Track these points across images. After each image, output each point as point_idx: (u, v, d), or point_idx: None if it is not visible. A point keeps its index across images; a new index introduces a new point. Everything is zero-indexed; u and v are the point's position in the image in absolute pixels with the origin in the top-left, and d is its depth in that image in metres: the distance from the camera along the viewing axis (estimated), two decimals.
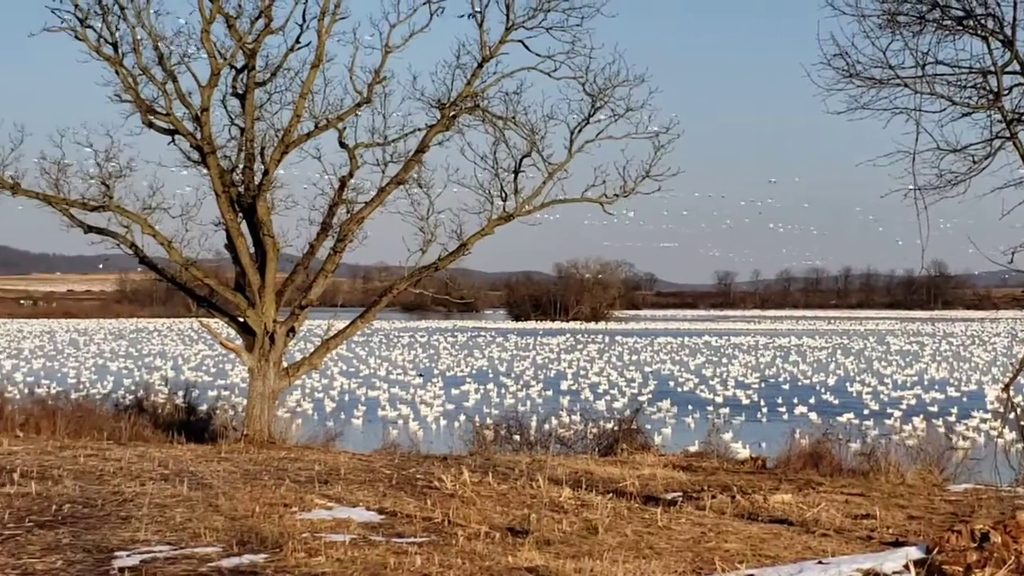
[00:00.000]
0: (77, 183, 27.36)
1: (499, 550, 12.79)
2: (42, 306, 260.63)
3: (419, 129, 27.94)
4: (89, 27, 26.60)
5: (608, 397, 60.64)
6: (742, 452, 32.10)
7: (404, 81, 30.44)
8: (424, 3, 27.39)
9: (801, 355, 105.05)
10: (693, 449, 29.83)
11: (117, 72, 26.83)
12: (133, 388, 50.23)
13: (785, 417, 52.82)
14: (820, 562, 12.90)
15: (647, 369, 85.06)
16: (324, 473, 18.80)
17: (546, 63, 27.67)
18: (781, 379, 76.89)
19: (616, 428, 30.54)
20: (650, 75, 27.67)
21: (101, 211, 27.31)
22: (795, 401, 58.96)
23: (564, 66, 27.59)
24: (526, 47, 27.75)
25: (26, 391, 46.96)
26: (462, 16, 27.37)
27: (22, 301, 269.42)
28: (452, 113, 27.51)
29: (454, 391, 65.14)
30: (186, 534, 12.81)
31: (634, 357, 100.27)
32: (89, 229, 27.31)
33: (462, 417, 45.22)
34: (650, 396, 61.23)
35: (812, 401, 59.84)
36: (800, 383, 74.15)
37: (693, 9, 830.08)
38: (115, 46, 26.74)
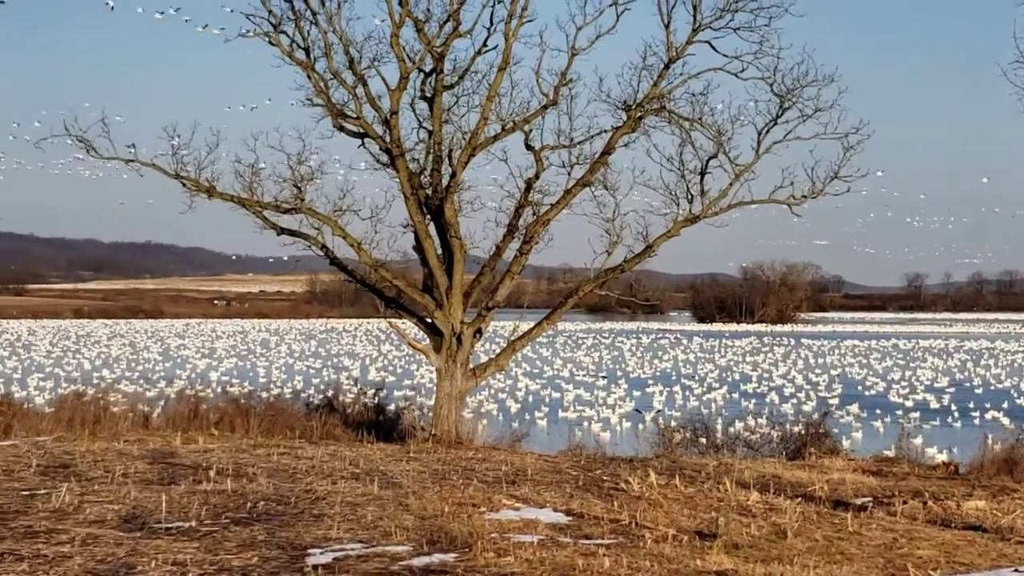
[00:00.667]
0: (270, 186, 27.93)
1: (687, 553, 12.70)
2: (235, 306, 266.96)
3: (605, 131, 27.92)
4: (282, 32, 27.17)
5: (795, 400, 59.90)
6: (937, 457, 31.43)
7: (590, 83, 30.46)
8: (610, 5, 27.37)
9: (994, 359, 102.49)
10: (883, 454, 29.26)
11: (309, 76, 27.33)
12: (323, 388, 51.10)
13: (977, 422, 51.63)
14: (1016, 570, 12.59)
15: (834, 372, 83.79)
16: (511, 474, 18.88)
17: (733, 64, 27.42)
18: (973, 383, 75.06)
19: (803, 432, 30.16)
20: (839, 75, 27.16)
21: (293, 213, 27.83)
22: (987, 406, 57.47)
23: (752, 66, 27.31)
24: (713, 48, 27.55)
25: (220, 390, 48.12)
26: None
27: (216, 301, 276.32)
28: (638, 115, 27.42)
29: (637, 393, 64.99)
30: (377, 532, 12.98)
31: (820, 360, 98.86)
32: (281, 231, 27.86)
33: (647, 419, 45.03)
34: (837, 400, 60.33)
35: (1006, 406, 58.30)
36: (993, 388, 72.32)
37: (882, 9, 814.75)
38: (307, 51, 27.25)
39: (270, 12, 27.05)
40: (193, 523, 13.16)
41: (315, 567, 11.11)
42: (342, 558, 11.55)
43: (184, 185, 27.50)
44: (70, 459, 19.19)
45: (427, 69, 27.67)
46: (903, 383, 73.41)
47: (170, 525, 13.02)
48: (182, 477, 17.15)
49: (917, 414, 54.47)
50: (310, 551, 11.83)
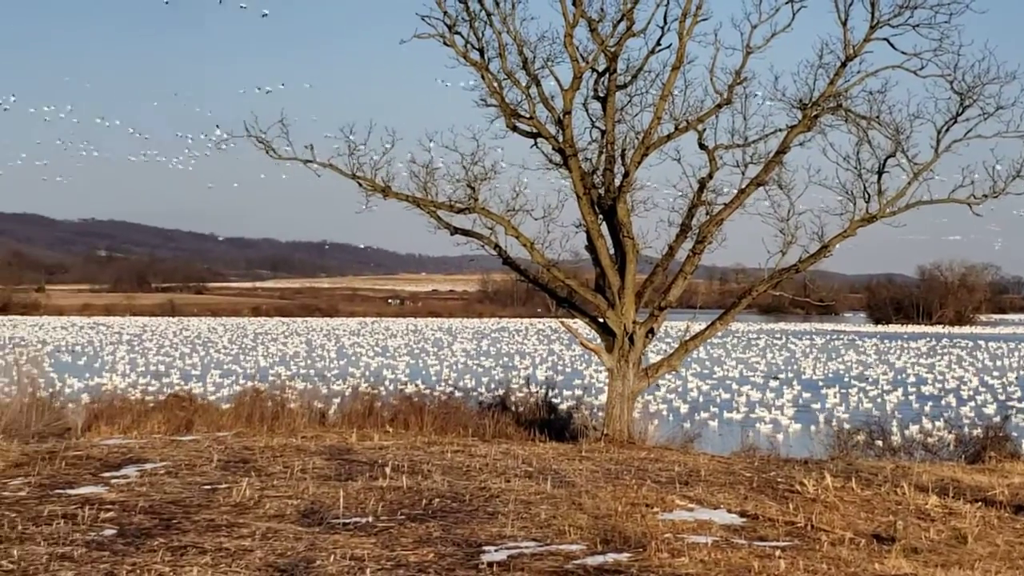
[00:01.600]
0: (444, 186, 28.18)
1: (864, 556, 12.53)
2: (408, 305, 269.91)
3: (780, 130, 27.61)
4: (457, 33, 27.42)
5: (973, 403, 58.60)
6: None
7: (765, 81, 30.16)
8: (787, 2, 27.07)
9: None
10: None
11: (483, 77, 27.53)
12: (495, 386, 51.44)
13: None
14: None
15: (1012, 375, 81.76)
16: (684, 474, 18.80)
17: (912, 61, 26.88)
18: None
19: (983, 435, 29.52)
20: (1022, 72, 26.51)
21: (467, 213, 28.05)
22: None
23: (931, 64, 26.74)
24: (891, 45, 27.05)
25: (394, 388, 48.74)
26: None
27: (390, 300, 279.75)
28: (814, 113, 27.07)
29: (807, 394, 64.23)
30: (551, 531, 13.03)
31: (999, 363, 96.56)
32: (455, 231, 28.10)
33: (820, 421, 44.47)
34: (1018, 403, 58.88)
35: None
36: None
37: None
38: (481, 51, 27.45)
39: (445, 13, 27.32)
40: (370, 519, 13.36)
41: (490, 564, 11.20)
42: (516, 556, 11.63)
43: (360, 185, 27.91)
44: (250, 454, 19.62)
45: (600, 69, 27.67)
46: None
47: (347, 520, 13.24)
48: (358, 473, 17.41)
49: None
50: (485, 548, 11.93)
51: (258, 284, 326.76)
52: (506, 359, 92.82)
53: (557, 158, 28.01)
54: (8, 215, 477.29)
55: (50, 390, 36.02)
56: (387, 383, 58.26)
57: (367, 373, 71.23)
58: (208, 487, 15.68)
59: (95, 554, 11.13)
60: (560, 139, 27.45)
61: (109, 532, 12.26)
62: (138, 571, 10.30)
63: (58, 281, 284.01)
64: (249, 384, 43.06)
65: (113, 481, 16.25)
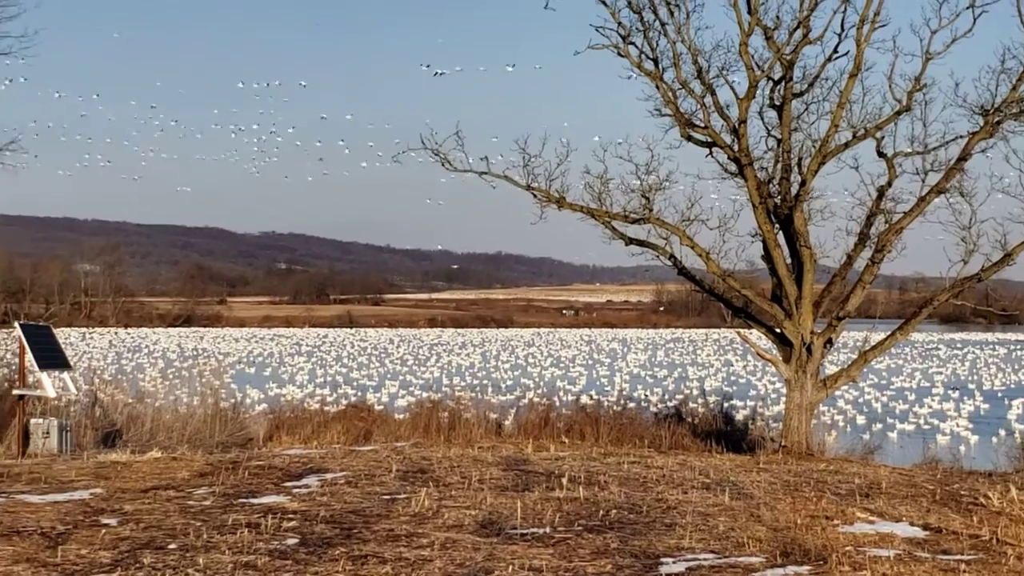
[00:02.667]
0: (618, 196, 28.20)
1: None
2: (583, 316, 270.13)
3: (961, 136, 27.05)
4: (631, 44, 27.44)
5: None
6: None
7: (945, 87, 29.51)
8: (967, 7, 26.56)
9: None
10: None
11: (657, 87, 27.49)
12: (670, 397, 51.19)
13: None
14: None
15: None
16: (864, 486, 18.49)
17: None
18: None
19: None
20: None
21: (641, 223, 28.01)
22: None
23: None
24: None
25: (569, 399, 48.80)
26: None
27: (564, 311, 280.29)
28: (996, 119, 26.47)
29: (988, 406, 62.69)
30: (729, 543, 12.92)
31: None
32: (630, 241, 28.08)
33: (1003, 432, 43.40)
34: None
35: None
36: None
37: None
38: (656, 61, 27.41)
39: (619, 24, 27.37)
40: (547, 529, 13.39)
41: None
42: (695, 568, 11.55)
43: (535, 196, 28.06)
44: (427, 464, 19.81)
45: (776, 77, 27.43)
46: None
47: (525, 531, 13.29)
48: (535, 484, 17.47)
49: None
50: (663, 560, 11.87)
51: (434, 295, 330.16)
52: (680, 369, 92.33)
53: (732, 167, 27.83)
54: (193, 229, 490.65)
55: (232, 401, 36.83)
56: (562, 394, 58.37)
57: (542, 384, 71.42)
58: (387, 497, 15.88)
59: (278, 563, 11.34)
60: (735, 148, 27.27)
61: (291, 541, 12.48)
62: None
63: (240, 293, 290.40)
64: (426, 395, 43.52)
65: (295, 491, 16.55)
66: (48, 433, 24.06)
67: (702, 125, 27.47)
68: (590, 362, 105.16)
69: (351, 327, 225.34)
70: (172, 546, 12.06)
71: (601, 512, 14.72)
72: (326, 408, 38.36)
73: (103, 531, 12.90)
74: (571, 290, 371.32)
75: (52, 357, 24.30)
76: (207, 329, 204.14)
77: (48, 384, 23.88)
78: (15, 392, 24.48)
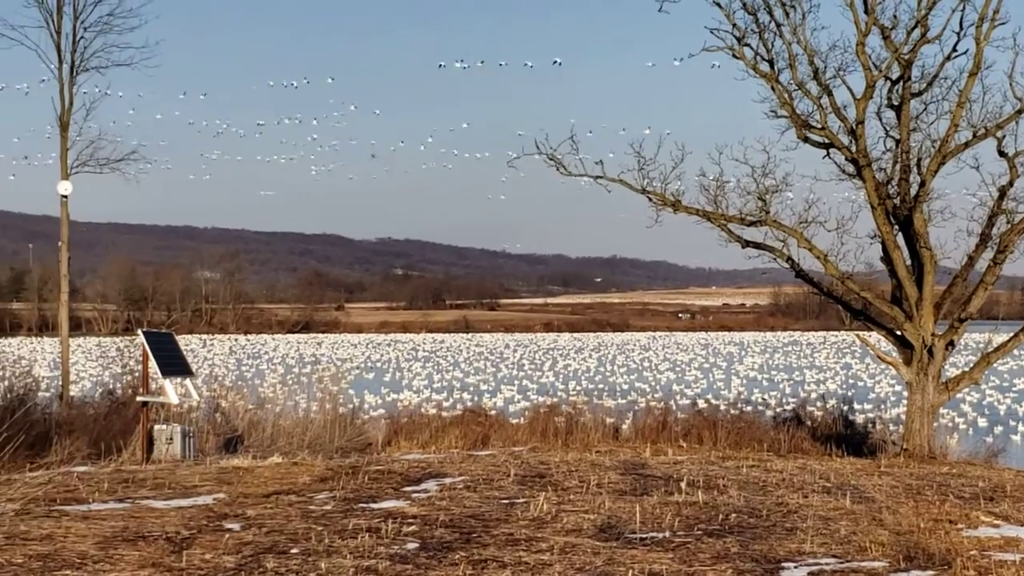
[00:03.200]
0: (734, 199, 28.09)
1: None
2: (699, 319, 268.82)
3: None
4: (747, 45, 27.31)
5: None
6: None
7: None
8: None
9: None
10: None
11: (773, 88, 27.31)
12: (788, 400, 50.77)
13: None
14: None
15: None
16: (988, 490, 18.19)
17: None
18: None
19: None
20: None
21: (758, 226, 27.86)
22: None
23: None
24: None
25: (686, 403, 48.61)
26: None
27: (680, 314, 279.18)
28: None
29: None
30: (851, 547, 12.79)
31: None
32: (746, 244, 27.94)
33: None
34: None
35: None
36: None
37: None
38: (771, 63, 27.24)
39: (734, 26, 27.28)
40: (666, 534, 13.35)
41: None
42: (817, 572, 11.45)
43: (650, 200, 28.03)
44: (545, 469, 19.84)
45: (894, 77, 27.12)
46: None
47: (644, 535, 13.26)
48: (654, 488, 17.43)
49: None
50: (784, 564, 11.79)
51: (549, 300, 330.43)
52: (798, 373, 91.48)
53: (850, 168, 27.57)
54: (311, 236, 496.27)
55: (351, 406, 37.13)
56: (679, 398, 58.11)
57: (658, 388, 71.18)
58: (506, 501, 15.93)
59: (399, 567, 11.42)
60: (853, 149, 27.00)
61: (412, 545, 12.57)
62: None
63: (357, 299, 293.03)
64: (542, 399, 43.59)
65: (414, 495, 16.67)
66: (171, 439, 24.46)
67: (819, 126, 27.24)
68: (707, 365, 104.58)
69: (467, 332, 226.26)
70: (294, 551, 12.20)
71: (721, 516, 14.65)
72: (443, 413, 38.57)
73: (226, 536, 13.09)
74: (687, 293, 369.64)
75: (175, 364, 24.69)
76: (325, 335, 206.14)
77: (171, 391, 24.27)
78: (139, 399, 24.91)
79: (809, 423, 33.28)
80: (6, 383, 27.85)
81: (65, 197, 34.33)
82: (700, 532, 13.54)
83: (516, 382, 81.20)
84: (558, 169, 28.44)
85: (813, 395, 51.33)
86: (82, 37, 35.07)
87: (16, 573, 10.82)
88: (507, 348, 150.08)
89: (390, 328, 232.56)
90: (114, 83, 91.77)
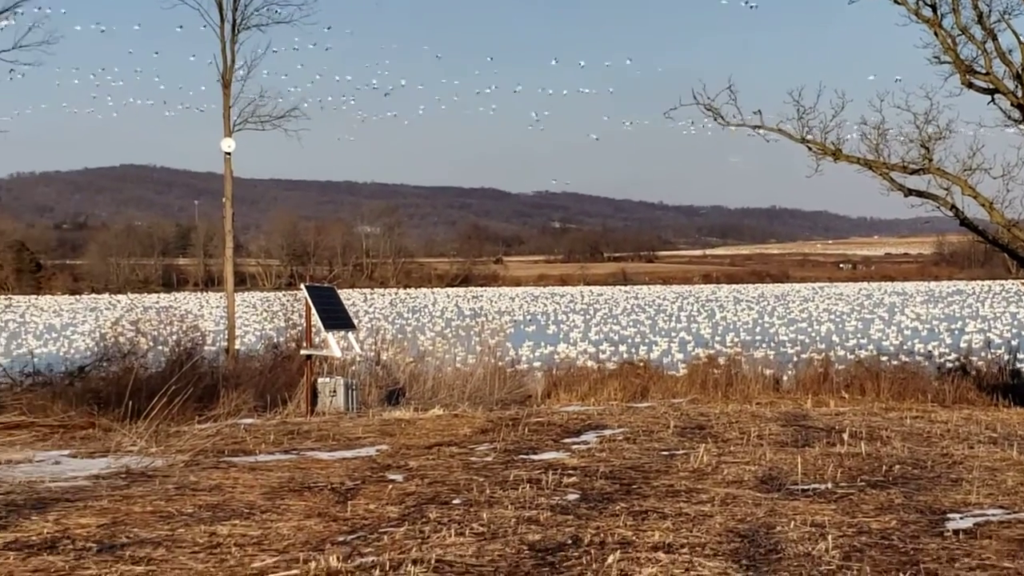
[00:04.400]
0: (896, 147, 27.62)
1: None
2: (860, 270, 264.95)
3: None
4: None
5: None
6: None
7: None
8: None
9: None
10: None
11: (936, 34, 26.73)
12: (953, 351, 49.82)
13: None
14: None
15: None
16: None
17: None
18: None
19: None
20: None
21: (920, 174, 27.38)
22: None
23: None
24: None
25: (847, 354, 48.00)
26: None
27: (841, 265, 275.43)
28: None
29: None
30: (1018, 498, 12.55)
31: None
32: (909, 192, 27.47)
33: None
34: None
35: None
36: None
37: None
38: (934, 7, 26.66)
39: None
40: (828, 485, 13.24)
41: (955, 532, 10.90)
42: (983, 524, 11.26)
43: (810, 149, 27.69)
44: (705, 420, 19.78)
45: None
46: None
47: (806, 487, 13.17)
48: (815, 439, 17.28)
49: None
50: (949, 516, 11.62)
51: (708, 251, 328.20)
52: (963, 322, 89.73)
53: (1016, 114, 26.92)
54: (469, 190, 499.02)
55: (510, 359, 37.37)
56: (840, 349, 57.44)
57: (818, 339, 70.38)
58: (665, 453, 15.93)
59: (559, 517, 11.50)
60: (1019, 95, 26.34)
61: (572, 496, 12.65)
62: (602, 534, 10.56)
63: (516, 253, 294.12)
64: (702, 351, 43.40)
65: (574, 447, 16.74)
66: (335, 392, 24.86)
67: (983, 72, 26.62)
68: (869, 316, 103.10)
69: (625, 284, 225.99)
70: (456, 501, 12.35)
71: (884, 467, 14.47)
72: (602, 365, 38.61)
73: (390, 487, 13.29)
74: (848, 243, 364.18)
75: (337, 318, 25.07)
76: (483, 289, 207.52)
77: (334, 344, 24.66)
78: (303, 352, 25.36)
79: (974, 373, 32.65)
80: (174, 338, 28.57)
81: (228, 154, 34.95)
82: (863, 483, 13.39)
83: (675, 334, 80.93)
84: (716, 119, 28.25)
85: (978, 344, 50.31)
86: None
87: (187, 522, 11.13)
88: (665, 300, 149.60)
89: (548, 281, 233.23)
90: (274, 40, 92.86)
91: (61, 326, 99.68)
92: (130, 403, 20.31)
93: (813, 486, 13.21)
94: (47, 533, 10.51)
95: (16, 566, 9.18)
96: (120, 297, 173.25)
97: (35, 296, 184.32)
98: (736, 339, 69.75)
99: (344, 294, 31.44)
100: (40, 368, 27.55)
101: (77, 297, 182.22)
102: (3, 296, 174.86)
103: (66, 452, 16.69)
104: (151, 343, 28.82)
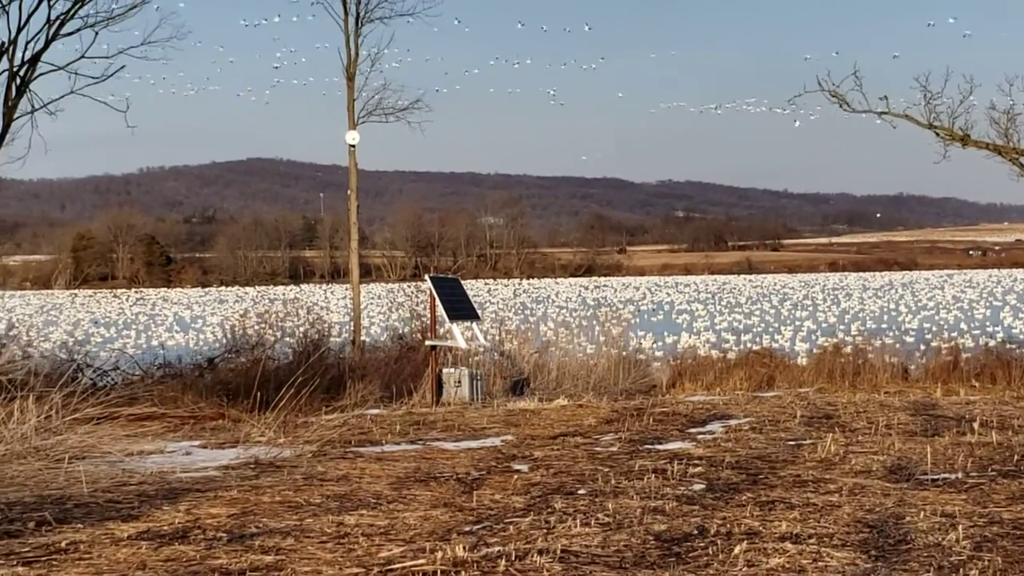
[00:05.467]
0: None
1: None
2: (991, 256, 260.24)
3: None
4: None
5: None
6: None
7: None
8: None
9: None
10: None
11: None
12: None
13: None
14: None
15: None
16: None
17: None
18: None
19: None
20: None
21: None
22: None
23: None
24: None
25: (977, 342, 47.20)
26: None
27: (970, 252, 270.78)
28: None
29: None
30: None
31: None
32: None
33: None
34: None
35: None
36: None
37: None
38: None
39: None
40: (959, 475, 13.04)
41: None
42: None
43: (937, 135, 27.28)
44: (832, 410, 19.58)
45: None
46: None
47: (935, 476, 12.98)
48: (944, 429, 17.02)
49: None
50: None
51: (834, 239, 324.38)
52: None
53: None
54: (591, 180, 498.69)
55: (634, 348, 37.27)
56: (970, 337, 56.46)
57: (947, 327, 69.28)
58: (792, 443, 15.80)
59: (685, 508, 11.45)
60: None
61: (698, 487, 12.59)
62: (728, 524, 10.50)
63: (639, 242, 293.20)
64: (829, 340, 42.94)
65: (699, 437, 16.67)
66: (460, 382, 24.98)
67: None
68: (999, 303, 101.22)
69: (750, 273, 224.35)
70: (581, 491, 12.35)
71: (1016, 457, 14.22)
72: (728, 355, 38.38)
73: (515, 477, 13.33)
74: (977, 230, 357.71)
75: (462, 308, 25.19)
76: (607, 279, 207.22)
77: (458, 335, 24.79)
78: (428, 343, 25.52)
79: None
80: (302, 329, 28.91)
81: (353, 146, 35.26)
82: (994, 473, 13.17)
83: (801, 323, 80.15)
84: (841, 106, 27.93)
85: None
86: None
87: (315, 512, 11.25)
88: (790, 288, 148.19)
89: (672, 270, 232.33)
90: (397, 33, 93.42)
91: (191, 318, 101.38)
92: (258, 394, 20.60)
93: (943, 476, 13.02)
94: (178, 523, 10.70)
95: (148, 556, 9.36)
96: (248, 289, 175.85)
97: (166, 289, 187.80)
98: (863, 328, 68.92)
99: (468, 285, 31.58)
100: (171, 360, 28.04)
101: (206, 290, 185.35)
102: (135, 289, 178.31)
103: (196, 443, 16.98)
104: (278, 335, 29.18)
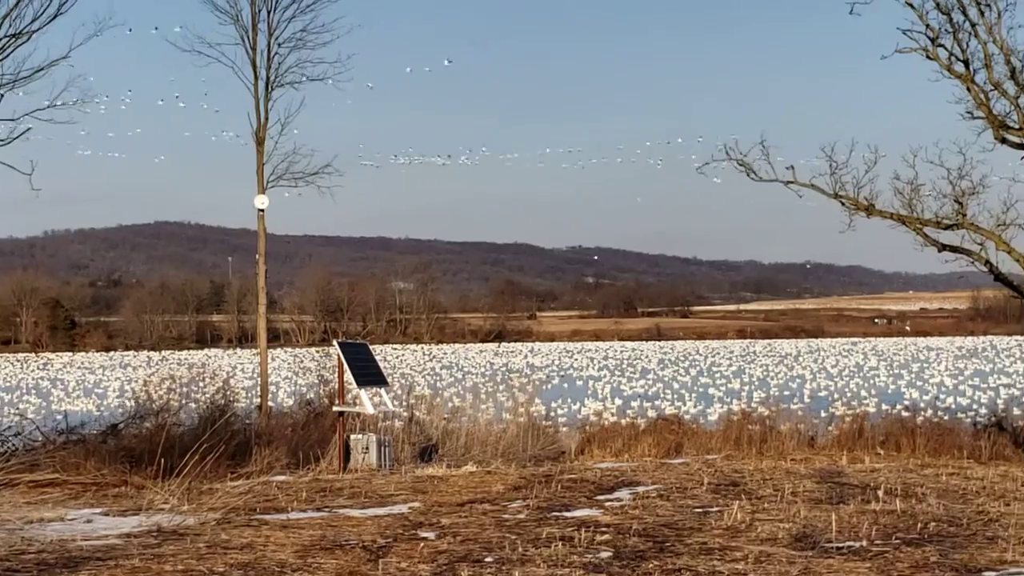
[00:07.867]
0: (930, 202, 27.48)
1: None
2: (895, 325, 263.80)
3: None
4: (940, 46, 26.66)
5: None
6: None
7: None
8: None
9: None
10: None
11: (968, 89, 26.65)
12: (988, 406, 49.44)
13: None
14: None
15: None
16: None
17: None
18: None
19: None
20: None
21: (955, 229, 27.24)
22: None
23: None
24: None
25: (882, 409, 47.66)
26: None
27: (876, 320, 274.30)
28: None
29: None
30: None
31: None
32: (943, 248, 27.33)
33: None
34: None
35: None
36: None
37: None
38: (966, 63, 26.58)
39: (928, 27, 26.66)
40: (863, 543, 13.14)
41: None
42: None
43: (843, 205, 27.61)
44: (739, 477, 19.69)
45: None
46: None
47: (840, 545, 13.07)
48: (850, 496, 17.18)
49: None
50: (984, 574, 11.51)
51: (742, 306, 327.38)
52: (998, 377, 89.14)
53: None
54: (502, 245, 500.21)
55: (543, 415, 37.27)
56: (875, 404, 57.05)
57: (851, 395, 69.99)
58: (699, 510, 15.85)
59: None
60: None
61: (605, 554, 12.58)
62: None
63: (549, 308, 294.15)
64: (736, 407, 43.20)
65: (607, 504, 16.68)
66: (367, 448, 24.82)
67: (1017, 127, 26.50)
68: (904, 371, 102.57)
69: (659, 339, 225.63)
70: (488, 559, 12.31)
71: (919, 525, 14.36)
72: (636, 421, 38.47)
73: (422, 544, 13.26)
74: (883, 298, 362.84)
75: (369, 374, 25.08)
76: (517, 344, 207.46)
77: (367, 400, 24.66)
78: (335, 409, 25.36)
79: (1011, 429, 32.34)
80: (207, 395, 28.61)
81: (262, 211, 35.10)
82: (898, 541, 13.29)
83: (709, 390, 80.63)
84: (748, 175, 28.22)
85: (1014, 400, 49.87)
86: (276, 53, 35.71)
87: None
88: (699, 355, 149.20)
89: (582, 336, 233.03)
90: (308, 98, 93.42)
91: (95, 383, 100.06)
92: (163, 460, 20.32)
93: (848, 544, 13.11)
94: None
95: None
96: (154, 354, 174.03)
97: (70, 353, 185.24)
98: (770, 395, 69.44)
99: (377, 350, 31.47)
100: (73, 425, 27.58)
101: (111, 354, 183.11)
102: (38, 353, 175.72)
103: (99, 510, 16.72)
104: (183, 400, 28.85)
